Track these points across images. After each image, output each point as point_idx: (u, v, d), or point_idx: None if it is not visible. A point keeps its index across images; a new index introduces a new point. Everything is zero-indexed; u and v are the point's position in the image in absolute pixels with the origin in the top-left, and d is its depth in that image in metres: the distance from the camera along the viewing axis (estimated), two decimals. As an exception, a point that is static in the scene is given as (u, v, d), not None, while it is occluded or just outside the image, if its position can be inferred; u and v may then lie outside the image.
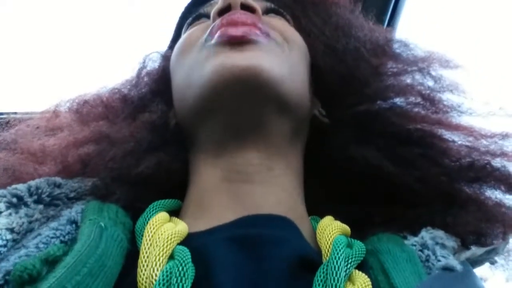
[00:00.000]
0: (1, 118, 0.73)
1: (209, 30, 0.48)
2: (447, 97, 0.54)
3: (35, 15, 1.19)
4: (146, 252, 0.37)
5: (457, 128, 0.53)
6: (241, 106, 0.45)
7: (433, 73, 0.54)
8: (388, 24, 0.87)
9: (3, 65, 1.16)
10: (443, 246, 0.44)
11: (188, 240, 0.41)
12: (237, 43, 0.45)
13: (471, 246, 0.48)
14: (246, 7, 0.49)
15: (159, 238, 0.38)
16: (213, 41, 0.47)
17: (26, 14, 1.20)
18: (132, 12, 1.20)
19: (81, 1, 1.16)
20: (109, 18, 1.18)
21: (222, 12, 0.49)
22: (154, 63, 0.61)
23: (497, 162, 0.51)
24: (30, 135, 0.56)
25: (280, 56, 0.47)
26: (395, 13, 0.86)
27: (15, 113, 0.82)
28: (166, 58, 0.59)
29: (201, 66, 0.46)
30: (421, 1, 0.93)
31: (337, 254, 0.38)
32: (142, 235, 0.40)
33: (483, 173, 0.51)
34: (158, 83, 0.57)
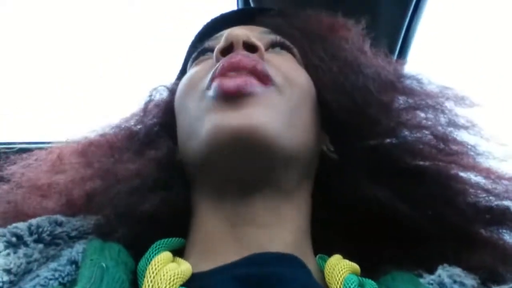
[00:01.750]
0: (6, 148, 0.73)
1: (210, 76, 0.47)
2: (462, 137, 0.52)
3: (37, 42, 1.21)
4: None
5: (473, 168, 0.51)
6: (240, 163, 0.44)
7: (447, 111, 0.52)
8: (400, 52, 0.86)
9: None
10: (462, 284, 0.42)
11: (192, 281, 0.39)
12: (232, 97, 0.44)
13: (490, 285, 0.45)
14: (249, 46, 0.48)
15: (161, 279, 0.37)
16: (210, 93, 0.45)
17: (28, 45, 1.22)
18: (133, 12, 1.20)
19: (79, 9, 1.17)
20: (109, 21, 1.19)
21: (224, 50, 0.48)
22: (161, 96, 0.61)
23: None
24: (38, 169, 0.56)
25: (278, 105, 0.45)
26: (406, 41, 0.85)
27: (19, 143, 0.82)
28: (173, 91, 0.58)
29: (200, 121, 0.45)
30: (433, 28, 0.92)
31: None
32: (144, 276, 0.39)
33: (501, 217, 0.49)
34: (165, 118, 0.56)
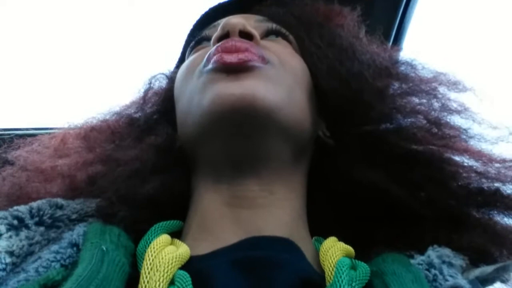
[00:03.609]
0: (7, 134, 0.74)
1: (206, 57, 0.48)
2: (454, 121, 0.53)
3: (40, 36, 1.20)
4: (146, 277, 0.37)
5: (465, 151, 0.52)
6: (238, 133, 0.45)
7: (440, 96, 0.53)
8: (395, 39, 0.86)
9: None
10: (450, 264, 0.43)
11: (190, 264, 0.40)
12: (233, 69, 0.45)
13: (480, 264, 0.46)
14: (245, 34, 0.49)
15: (159, 262, 0.38)
16: (209, 66, 0.47)
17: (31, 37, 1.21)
18: (133, 12, 1.20)
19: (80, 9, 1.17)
20: (110, 21, 1.19)
21: (221, 39, 0.49)
22: (160, 84, 0.62)
23: (507, 188, 0.50)
24: (42, 153, 0.57)
25: (277, 81, 0.47)
26: (401, 27, 0.85)
27: (20, 129, 0.83)
28: (172, 79, 0.59)
29: (199, 94, 0.46)
30: (428, 15, 0.93)
31: (340, 276, 0.38)
32: (143, 259, 0.40)
33: (492, 198, 0.50)
34: (165, 105, 0.57)
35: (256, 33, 0.50)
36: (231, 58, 0.45)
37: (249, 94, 0.44)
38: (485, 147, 0.52)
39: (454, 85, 0.54)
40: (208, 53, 0.48)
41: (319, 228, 0.51)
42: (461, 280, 0.41)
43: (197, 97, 0.47)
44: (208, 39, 0.56)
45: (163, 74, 0.63)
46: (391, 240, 0.49)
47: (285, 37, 0.56)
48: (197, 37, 0.58)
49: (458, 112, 0.53)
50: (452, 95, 0.53)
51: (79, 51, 1.21)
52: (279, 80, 0.47)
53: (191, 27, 0.64)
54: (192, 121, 0.47)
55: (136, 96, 0.61)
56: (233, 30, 0.49)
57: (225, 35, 0.49)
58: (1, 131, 0.85)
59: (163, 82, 0.62)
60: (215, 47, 0.48)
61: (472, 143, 0.52)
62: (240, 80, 0.44)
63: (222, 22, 0.50)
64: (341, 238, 0.47)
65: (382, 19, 0.81)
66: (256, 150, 0.46)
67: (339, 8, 0.61)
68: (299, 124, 0.48)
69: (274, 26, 0.56)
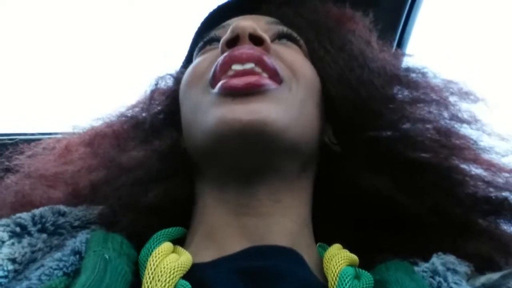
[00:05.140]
0: (10, 140, 0.74)
1: (213, 68, 0.47)
2: (464, 132, 0.52)
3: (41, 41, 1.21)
4: (148, 287, 0.37)
5: (474, 160, 0.51)
6: (245, 155, 0.44)
7: (450, 105, 0.52)
8: (398, 44, 0.86)
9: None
10: (454, 271, 0.43)
11: (192, 272, 0.40)
12: (240, 93, 0.44)
13: (485, 272, 0.46)
14: (255, 38, 0.48)
15: (161, 272, 0.38)
16: (216, 90, 0.45)
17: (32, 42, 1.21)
18: (133, 12, 1.20)
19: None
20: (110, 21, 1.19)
21: (230, 42, 0.48)
22: (166, 83, 0.61)
23: None
24: (45, 160, 0.57)
25: (286, 99, 0.46)
26: (404, 32, 0.85)
27: (21, 134, 0.83)
28: (178, 80, 0.57)
29: (205, 112, 0.45)
30: (433, 16, 0.92)
31: (344, 286, 0.38)
32: (145, 268, 0.39)
33: (500, 207, 0.50)
34: (170, 106, 0.57)
35: (267, 38, 0.48)
36: (237, 82, 0.44)
37: (257, 119, 0.42)
38: (494, 158, 0.51)
39: (465, 95, 0.53)
40: (215, 64, 0.47)
41: (324, 233, 0.50)
42: (465, 287, 0.41)
43: (201, 114, 0.46)
44: (217, 39, 0.54)
45: (169, 74, 0.61)
46: (396, 247, 0.49)
47: (295, 42, 0.55)
48: (205, 37, 0.56)
49: (468, 122, 0.52)
50: (463, 105, 0.53)
51: (82, 54, 1.21)
52: (290, 97, 0.46)
53: (198, 25, 0.62)
54: (198, 136, 0.46)
55: (142, 97, 0.60)
56: (243, 34, 0.47)
57: (234, 39, 0.47)
58: (4, 136, 0.85)
59: (170, 82, 0.60)
60: (223, 56, 0.46)
61: (481, 153, 0.52)
62: (247, 103, 0.43)
63: (232, 24, 0.48)
64: (345, 244, 0.47)
65: (385, 24, 0.81)
66: (264, 165, 0.46)
67: (350, 13, 0.60)
68: (308, 137, 0.47)
69: (285, 29, 0.55)
